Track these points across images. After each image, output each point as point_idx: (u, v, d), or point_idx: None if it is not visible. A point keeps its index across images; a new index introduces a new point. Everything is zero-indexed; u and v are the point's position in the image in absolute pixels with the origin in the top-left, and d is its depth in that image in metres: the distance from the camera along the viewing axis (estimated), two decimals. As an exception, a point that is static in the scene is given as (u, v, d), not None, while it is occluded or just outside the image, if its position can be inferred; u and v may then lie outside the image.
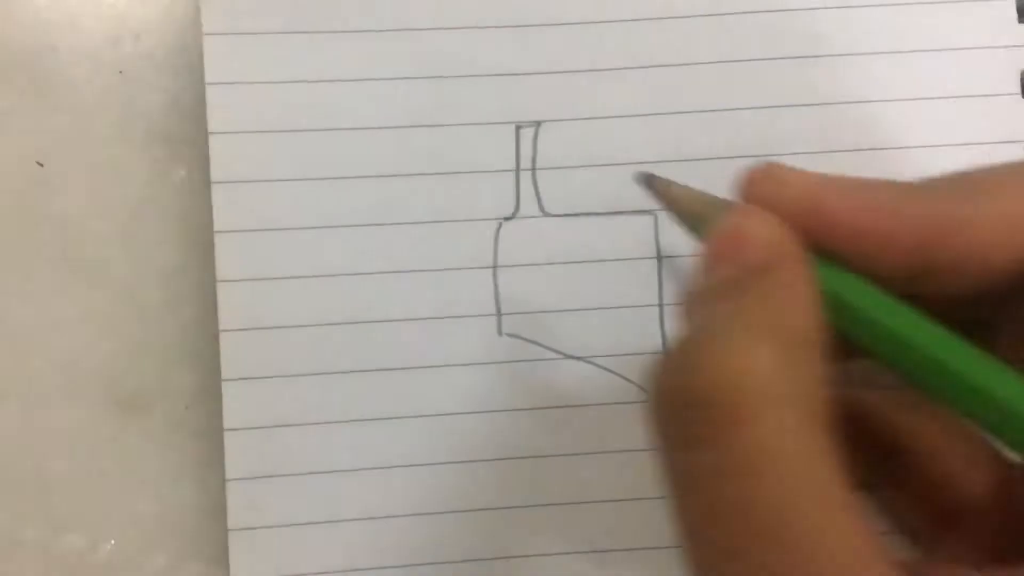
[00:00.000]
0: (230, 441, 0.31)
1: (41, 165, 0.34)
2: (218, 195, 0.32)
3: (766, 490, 0.18)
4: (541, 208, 0.32)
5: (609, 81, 0.33)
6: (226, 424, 0.31)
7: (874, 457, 0.25)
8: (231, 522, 0.31)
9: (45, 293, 0.34)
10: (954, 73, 0.34)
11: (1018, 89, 0.34)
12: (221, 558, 0.32)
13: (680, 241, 0.32)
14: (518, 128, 0.33)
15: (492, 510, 0.32)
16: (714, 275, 0.21)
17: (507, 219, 0.32)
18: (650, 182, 0.25)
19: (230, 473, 0.31)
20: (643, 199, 0.28)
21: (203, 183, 0.34)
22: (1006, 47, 0.34)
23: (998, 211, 0.21)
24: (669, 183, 0.25)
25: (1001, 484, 0.25)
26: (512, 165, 0.32)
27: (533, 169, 0.32)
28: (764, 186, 0.22)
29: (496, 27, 0.33)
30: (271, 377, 0.32)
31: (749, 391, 0.18)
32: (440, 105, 0.32)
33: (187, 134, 0.35)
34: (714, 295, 0.21)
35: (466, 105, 0.32)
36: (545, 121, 0.33)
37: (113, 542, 0.33)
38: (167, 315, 0.34)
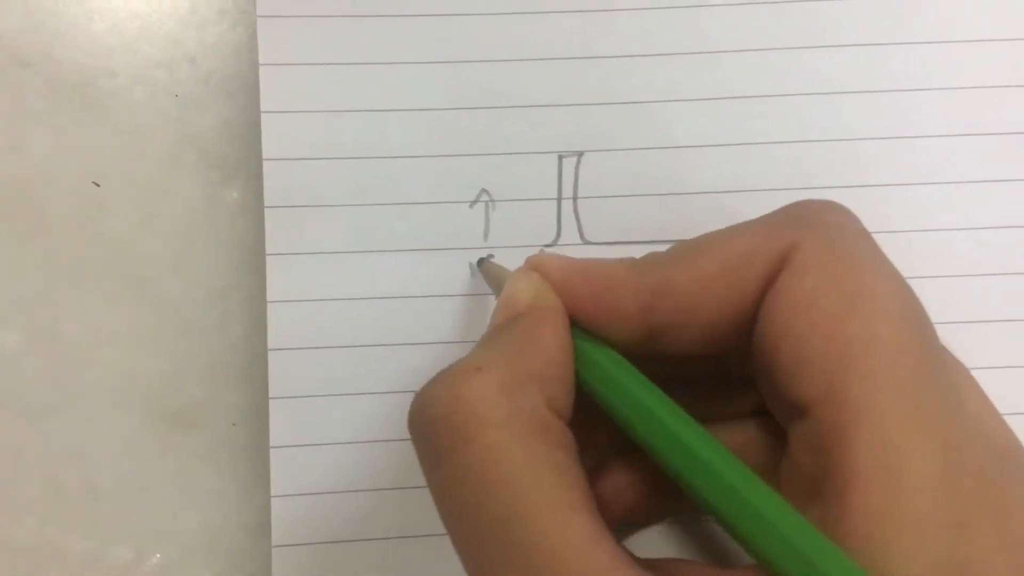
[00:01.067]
0: (276, 458, 0.32)
1: (97, 185, 0.35)
2: (271, 219, 0.32)
3: (490, 498, 0.21)
4: (582, 236, 0.33)
5: (649, 113, 0.33)
6: (272, 442, 0.32)
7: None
8: (276, 538, 0.32)
9: (97, 310, 0.34)
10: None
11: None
12: (264, 574, 0.33)
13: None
14: (560, 157, 0.33)
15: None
16: (489, 326, 0.25)
17: (548, 246, 0.33)
18: (481, 264, 0.32)
19: (275, 490, 0.32)
20: (678, 229, 0.32)
21: (254, 205, 0.35)
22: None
23: (695, 276, 0.24)
24: (491, 265, 0.32)
25: None
26: (554, 194, 0.33)
27: (575, 198, 0.33)
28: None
29: (540, 59, 0.33)
30: (318, 396, 0.32)
31: (471, 415, 0.22)
32: (486, 134, 0.33)
33: (239, 157, 0.35)
34: (480, 339, 0.25)
35: (511, 134, 0.33)
36: (587, 151, 0.33)
37: (159, 556, 0.34)
38: (216, 334, 0.35)
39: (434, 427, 0.22)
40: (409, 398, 0.31)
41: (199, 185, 0.35)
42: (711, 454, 0.22)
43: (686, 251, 0.25)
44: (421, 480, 0.31)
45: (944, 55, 0.34)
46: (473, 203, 0.33)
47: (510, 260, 0.32)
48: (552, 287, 0.25)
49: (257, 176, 0.33)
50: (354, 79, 0.33)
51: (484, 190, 0.33)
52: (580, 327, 0.25)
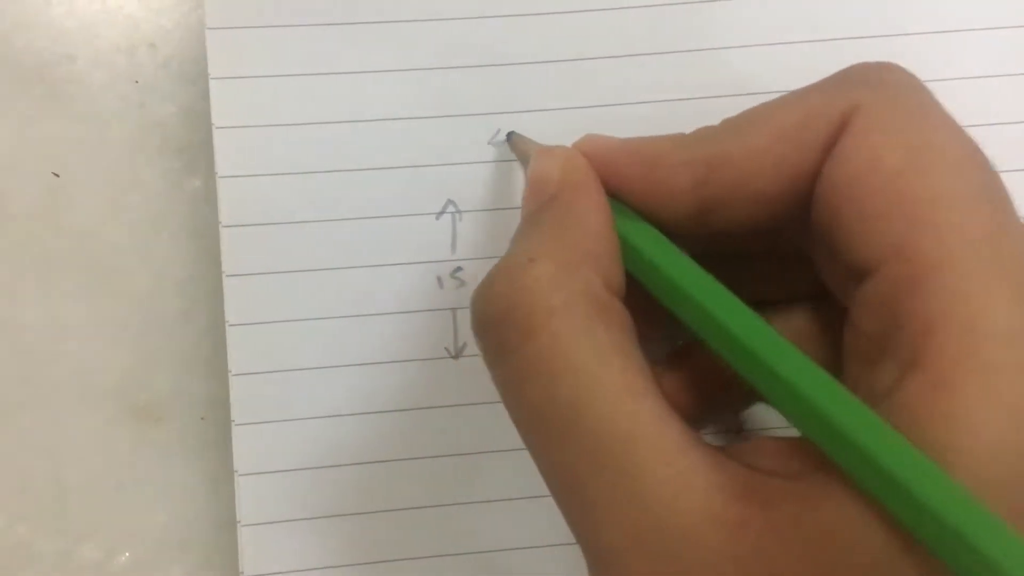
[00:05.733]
0: (242, 486, 0.31)
1: (57, 175, 0.34)
2: (227, 238, 0.32)
3: (559, 388, 0.21)
4: None
5: (615, 115, 0.32)
6: (238, 469, 0.31)
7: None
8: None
9: (61, 303, 0.34)
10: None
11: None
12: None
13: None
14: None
15: (515, 550, 0.32)
16: (523, 211, 0.25)
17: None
18: (510, 137, 0.31)
19: (244, 519, 0.31)
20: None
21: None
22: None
23: (751, 146, 0.23)
24: (521, 139, 0.31)
25: None
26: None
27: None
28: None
29: (501, 65, 0.32)
30: (284, 420, 0.31)
31: (532, 307, 0.22)
32: (449, 144, 0.32)
33: (202, 144, 0.35)
34: (519, 228, 0.24)
35: (475, 143, 0.32)
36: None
37: (128, 553, 0.33)
38: (182, 324, 0.34)
39: (497, 325, 0.22)
40: (380, 419, 0.32)
41: (161, 173, 0.35)
42: (752, 331, 0.22)
43: (738, 123, 0.24)
44: (384, 508, 0.31)
45: (929, 46, 0.33)
46: (439, 214, 0.32)
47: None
48: (584, 160, 0.24)
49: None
50: (310, 90, 0.32)
51: (450, 201, 0.32)
52: (625, 206, 0.24)
